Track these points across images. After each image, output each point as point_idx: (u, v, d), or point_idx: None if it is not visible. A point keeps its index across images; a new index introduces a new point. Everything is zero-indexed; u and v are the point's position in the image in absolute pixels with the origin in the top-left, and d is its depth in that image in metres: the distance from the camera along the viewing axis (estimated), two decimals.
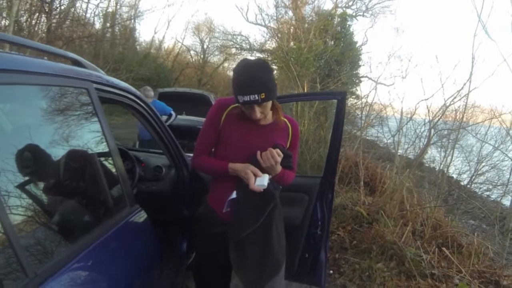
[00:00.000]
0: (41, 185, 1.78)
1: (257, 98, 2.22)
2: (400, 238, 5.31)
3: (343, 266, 5.22)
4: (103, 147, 2.21)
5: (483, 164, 8.71)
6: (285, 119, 2.67)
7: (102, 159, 2.24)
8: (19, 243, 1.40)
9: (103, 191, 2.18)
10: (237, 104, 2.43)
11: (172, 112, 7.89)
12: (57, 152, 1.86)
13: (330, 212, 3.45)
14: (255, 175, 2.40)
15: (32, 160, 1.66)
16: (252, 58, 3.19)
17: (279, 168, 2.48)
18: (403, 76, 9.23)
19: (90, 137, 2.14)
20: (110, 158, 2.26)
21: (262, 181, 2.37)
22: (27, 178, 1.64)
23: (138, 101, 2.88)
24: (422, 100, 7.59)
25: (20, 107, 1.78)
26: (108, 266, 1.98)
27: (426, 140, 7.84)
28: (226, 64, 40.92)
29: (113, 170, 2.29)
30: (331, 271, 5.10)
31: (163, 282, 2.93)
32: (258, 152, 2.43)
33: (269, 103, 2.39)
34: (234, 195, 2.47)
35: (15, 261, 1.37)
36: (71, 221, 1.92)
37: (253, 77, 2.23)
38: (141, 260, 2.43)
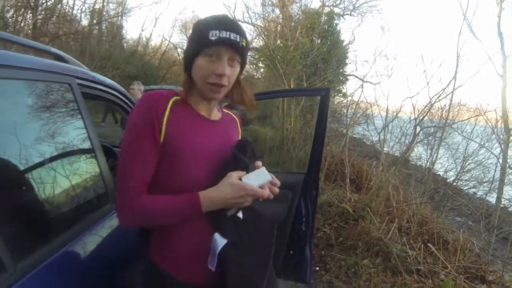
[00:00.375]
0: (21, 180, 1.75)
1: (238, 40, 1.58)
2: (386, 235, 5.33)
3: (329, 263, 5.23)
4: (85, 143, 2.17)
5: (469, 161, 8.80)
6: (228, 112, 2.00)
7: (84, 155, 2.21)
8: None
9: (85, 187, 2.15)
10: (177, 97, 1.67)
11: None
12: (37, 147, 1.83)
13: (314, 209, 3.44)
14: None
15: (11, 155, 1.63)
16: None
17: None
18: (389, 75, 9.29)
19: (72, 132, 2.10)
20: (92, 154, 2.23)
21: (262, 177, 1.58)
22: (6, 173, 1.61)
23: (123, 97, 2.86)
24: (408, 97, 7.66)
25: None
26: (89, 262, 1.95)
27: (411, 137, 7.90)
28: None
29: (96, 166, 2.25)
30: (317, 268, 5.11)
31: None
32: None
33: (237, 70, 1.67)
34: (219, 240, 1.57)
35: None
36: (51, 217, 1.89)
37: (235, 21, 1.65)
38: (124, 256, 2.40)
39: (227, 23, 1.58)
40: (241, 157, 1.63)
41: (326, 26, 17.29)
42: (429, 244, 5.17)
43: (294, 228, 3.45)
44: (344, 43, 17.77)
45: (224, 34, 1.55)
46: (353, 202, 6.82)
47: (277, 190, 1.62)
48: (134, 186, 1.56)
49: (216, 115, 1.81)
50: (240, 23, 1.68)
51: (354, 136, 11.78)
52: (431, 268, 4.74)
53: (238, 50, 1.60)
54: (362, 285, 4.60)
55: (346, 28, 34.30)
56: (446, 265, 4.73)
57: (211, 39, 1.54)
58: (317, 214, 6.61)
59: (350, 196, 7.07)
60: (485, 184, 9.02)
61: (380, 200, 6.46)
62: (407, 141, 8.48)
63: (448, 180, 9.66)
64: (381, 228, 5.49)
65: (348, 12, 22.91)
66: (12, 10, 18.94)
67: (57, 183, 1.95)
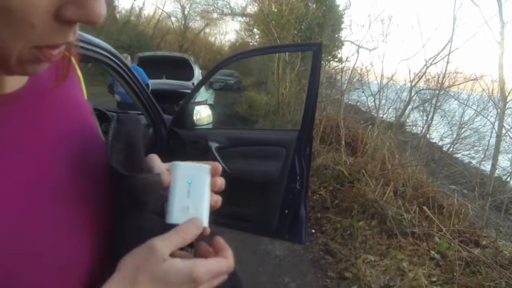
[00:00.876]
0: None
1: None
2: (381, 197, 5.31)
3: (325, 225, 5.24)
4: None
5: (464, 128, 8.78)
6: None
7: None
8: None
9: None
10: None
11: (149, 83, 7.74)
12: None
13: (308, 167, 3.36)
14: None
15: None
16: None
17: None
18: (384, 38, 9.18)
19: None
20: None
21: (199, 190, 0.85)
22: None
23: (111, 57, 2.77)
24: (403, 60, 7.56)
25: None
26: None
27: (407, 101, 7.85)
28: (207, 30, 40.81)
29: None
30: (313, 231, 5.12)
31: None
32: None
33: None
34: None
35: None
36: None
37: None
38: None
39: None
40: (147, 180, 0.69)
41: None
42: (424, 207, 5.16)
43: (288, 187, 3.38)
44: (340, 8, 17.59)
45: None
46: (349, 165, 6.81)
47: (222, 184, 0.76)
48: None
49: (14, 80, 0.61)
50: None
51: (350, 103, 11.70)
52: (426, 231, 4.74)
53: None
54: (357, 247, 4.60)
55: None
56: (441, 228, 4.72)
57: None
58: (313, 177, 6.59)
59: (346, 159, 7.04)
60: (480, 151, 9.03)
61: (376, 163, 6.44)
62: (402, 105, 8.44)
63: (444, 149, 9.65)
64: (376, 191, 5.47)
65: None
66: None
67: None
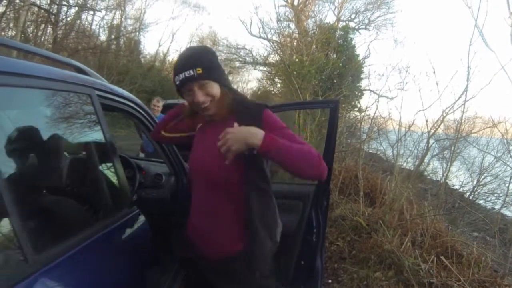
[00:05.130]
0: (42, 185, 1.84)
1: (192, 73, 1.92)
2: (398, 248, 5.31)
3: (342, 275, 5.25)
4: (103, 152, 2.27)
5: (484, 175, 8.72)
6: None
7: (101, 162, 2.30)
8: (22, 233, 1.47)
9: (100, 192, 2.22)
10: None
11: None
12: (58, 153, 1.93)
13: (325, 219, 3.46)
14: None
15: (35, 160, 1.72)
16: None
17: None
18: (403, 89, 9.27)
19: (91, 141, 2.22)
20: (110, 161, 2.32)
21: None
22: (30, 177, 1.71)
23: (140, 110, 2.95)
24: (420, 110, 7.62)
25: (21, 109, 1.85)
26: (103, 262, 2.03)
27: (425, 150, 7.87)
28: (230, 78, 41.24)
29: (112, 173, 2.34)
30: (330, 281, 5.12)
31: (159, 287, 2.96)
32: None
33: (215, 87, 2.00)
34: None
35: (17, 247, 1.44)
36: (69, 218, 1.97)
37: (189, 54, 2.01)
38: (137, 260, 2.47)
39: (179, 65, 1.98)
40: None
41: (341, 40, 17.29)
42: (442, 257, 5.14)
43: (305, 239, 3.48)
44: (359, 58, 17.80)
45: (182, 75, 1.94)
46: (367, 215, 6.81)
47: None
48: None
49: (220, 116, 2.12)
50: (202, 50, 2.06)
51: (370, 151, 11.74)
52: (444, 281, 4.72)
53: (199, 79, 1.95)
54: None
55: (361, 42, 34.45)
56: (460, 278, 4.70)
57: (177, 83, 1.99)
58: (331, 228, 6.64)
59: (364, 210, 7.05)
60: (502, 197, 8.93)
61: (394, 214, 6.44)
62: (420, 154, 8.45)
63: (465, 195, 9.57)
64: (393, 241, 5.47)
65: (363, 26, 23.08)
66: (33, 26, 19.36)
67: (75, 187, 2.04)
